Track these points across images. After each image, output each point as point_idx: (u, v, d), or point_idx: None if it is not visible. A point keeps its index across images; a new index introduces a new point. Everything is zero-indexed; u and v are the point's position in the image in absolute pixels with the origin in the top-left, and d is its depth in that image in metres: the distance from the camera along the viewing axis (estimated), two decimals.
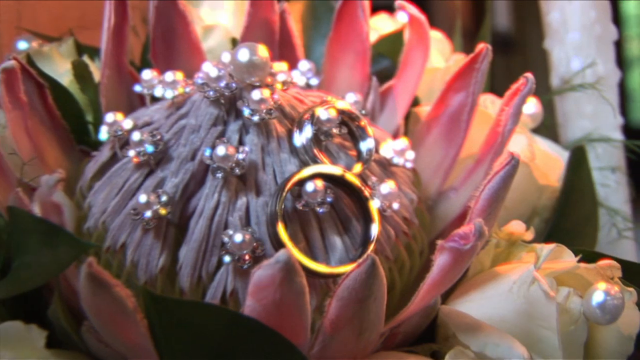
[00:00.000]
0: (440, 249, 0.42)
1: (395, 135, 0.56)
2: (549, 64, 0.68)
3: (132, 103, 0.56)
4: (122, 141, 0.49)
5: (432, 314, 0.47)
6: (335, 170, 0.46)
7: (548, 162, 0.59)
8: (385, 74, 0.60)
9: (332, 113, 0.47)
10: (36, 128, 0.52)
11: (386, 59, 0.62)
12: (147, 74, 0.52)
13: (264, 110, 0.46)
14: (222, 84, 0.47)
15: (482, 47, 0.52)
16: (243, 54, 0.46)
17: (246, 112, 0.46)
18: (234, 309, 0.44)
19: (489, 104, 0.59)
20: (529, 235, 0.50)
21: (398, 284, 0.48)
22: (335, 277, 0.44)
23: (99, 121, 0.55)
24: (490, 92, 0.59)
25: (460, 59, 0.65)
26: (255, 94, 0.46)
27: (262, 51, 0.47)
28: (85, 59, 0.60)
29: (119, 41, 0.54)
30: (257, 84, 0.47)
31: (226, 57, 0.48)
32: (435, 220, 0.54)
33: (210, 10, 0.64)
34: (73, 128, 0.55)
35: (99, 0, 0.74)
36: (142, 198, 0.45)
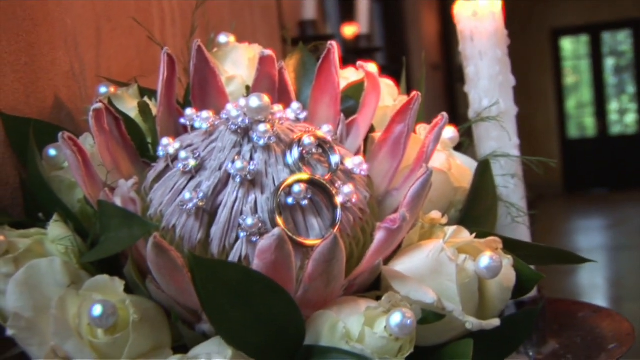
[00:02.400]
0: (378, 227, 0.48)
1: (357, 153, 0.61)
2: (467, 102, 0.73)
3: (178, 130, 0.60)
4: (173, 156, 0.54)
5: (377, 272, 0.52)
6: (313, 177, 0.52)
7: (461, 171, 0.64)
8: (351, 110, 0.65)
9: (312, 139, 0.53)
10: (114, 147, 0.55)
11: (352, 100, 0.66)
12: (189, 111, 0.57)
13: (267, 137, 0.52)
14: (240, 120, 0.53)
15: (415, 94, 0.58)
16: (254, 101, 0.52)
17: (255, 138, 0.52)
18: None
19: (422, 131, 0.64)
20: (444, 220, 0.56)
21: (356, 254, 0.52)
22: (312, 247, 0.49)
23: (156, 142, 0.59)
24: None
25: (404, 99, 0.72)
26: (262, 127, 0.52)
27: (266, 99, 0.53)
28: (146, 99, 0.64)
29: (169, 88, 0.59)
30: (262, 120, 0.53)
31: (242, 102, 0.53)
32: (383, 210, 0.58)
33: (232, 65, 0.68)
34: (138, 147, 0.58)
35: (154, 54, 0.82)
36: (187, 195, 0.50)
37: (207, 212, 0.50)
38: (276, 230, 0.45)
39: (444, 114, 0.56)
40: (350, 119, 0.64)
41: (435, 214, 0.57)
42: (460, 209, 0.64)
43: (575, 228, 5.44)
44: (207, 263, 0.46)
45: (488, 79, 0.71)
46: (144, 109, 0.60)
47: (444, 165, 0.62)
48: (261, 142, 0.52)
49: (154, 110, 0.61)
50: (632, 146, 6.32)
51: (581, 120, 6.47)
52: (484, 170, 0.66)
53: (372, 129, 0.65)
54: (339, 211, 0.50)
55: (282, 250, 0.45)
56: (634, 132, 6.48)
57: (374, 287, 0.53)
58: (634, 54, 6.31)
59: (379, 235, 0.49)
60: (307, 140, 0.53)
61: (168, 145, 0.55)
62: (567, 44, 6.52)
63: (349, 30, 2.27)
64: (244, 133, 0.53)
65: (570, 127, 6.37)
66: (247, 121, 0.52)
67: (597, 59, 6.40)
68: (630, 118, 6.53)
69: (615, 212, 5.63)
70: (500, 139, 0.71)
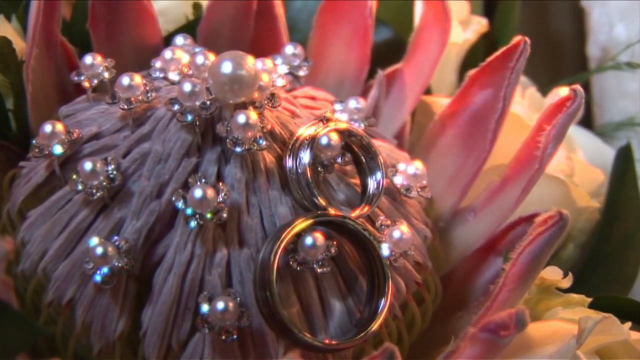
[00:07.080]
0: (472, 338, 0.43)
1: (399, 136, 0.57)
2: (586, 28, 0.68)
3: (65, 88, 0.55)
4: (63, 159, 0.48)
5: None
6: (343, 217, 0.46)
7: (587, 175, 0.60)
8: (384, 47, 0.61)
9: (335, 138, 0.47)
10: None
11: (387, 28, 0.61)
12: (89, 60, 0.51)
13: (252, 139, 0.46)
14: (198, 102, 0.46)
15: (519, 39, 0.52)
16: (227, 66, 0.46)
17: (229, 141, 0.46)
18: None
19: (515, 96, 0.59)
20: (566, 282, 0.52)
21: (406, 340, 0.50)
22: (335, 351, 0.46)
23: (22, 108, 0.55)
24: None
25: (481, 27, 0.65)
26: (241, 118, 0.46)
27: (250, 62, 0.46)
28: (2, 20, 0.58)
29: (49, 13, 0.53)
30: (244, 103, 0.47)
31: (200, 60, 0.47)
32: (449, 248, 0.55)
33: None
34: None
35: None
36: (98, 250, 0.44)
37: (134, 278, 0.46)
38: None
39: (577, 88, 0.50)
40: (389, 70, 0.59)
41: (552, 272, 0.52)
42: (582, 242, 0.60)
43: None
44: None
45: None
46: (2, 50, 0.56)
47: (562, 169, 0.57)
48: (239, 149, 0.46)
49: (19, 47, 0.57)
50: None
51: None
52: (624, 166, 0.61)
53: (427, 90, 0.61)
54: (383, 301, 0.47)
55: None
56: None
57: None
58: None
59: (472, 351, 0.44)
60: (325, 139, 0.48)
61: (54, 135, 0.49)
62: None
63: None
64: (206, 127, 0.47)
65: None
66: (211, 106, 0.47)
67: None
68: None
69: None
70: None
